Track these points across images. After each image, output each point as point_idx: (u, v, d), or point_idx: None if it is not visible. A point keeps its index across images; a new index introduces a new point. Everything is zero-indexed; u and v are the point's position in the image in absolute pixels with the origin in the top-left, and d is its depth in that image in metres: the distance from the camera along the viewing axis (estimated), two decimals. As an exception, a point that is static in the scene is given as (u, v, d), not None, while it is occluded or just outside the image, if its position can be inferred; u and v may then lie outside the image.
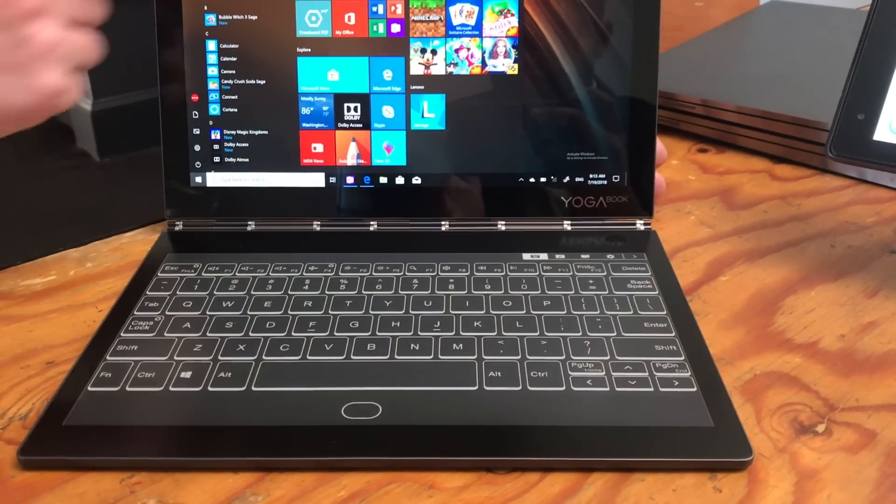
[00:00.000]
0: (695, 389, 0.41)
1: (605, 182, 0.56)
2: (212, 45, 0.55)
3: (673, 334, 0.45)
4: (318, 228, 0.56)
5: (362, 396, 0.40)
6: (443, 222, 0.56)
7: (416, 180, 0.56)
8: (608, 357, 0.43)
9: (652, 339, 0.45)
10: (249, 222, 0.56)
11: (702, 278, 0.52)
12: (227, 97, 0.55)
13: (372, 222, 0.56)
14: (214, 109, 0.55)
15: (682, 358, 0.43)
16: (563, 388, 0.41)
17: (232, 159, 0.56)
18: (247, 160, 0.56)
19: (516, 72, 0.55)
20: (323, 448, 0.38)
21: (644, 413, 0.40)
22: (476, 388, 0.41)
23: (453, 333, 0.45)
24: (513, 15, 0.54)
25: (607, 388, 0.41)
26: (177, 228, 0.56)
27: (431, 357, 0.43)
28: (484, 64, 0.55)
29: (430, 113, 0.55)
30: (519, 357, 0.43)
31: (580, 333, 0.45)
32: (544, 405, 0.40)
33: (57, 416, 0.39)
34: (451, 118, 0.55)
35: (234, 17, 0.55)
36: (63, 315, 0.49)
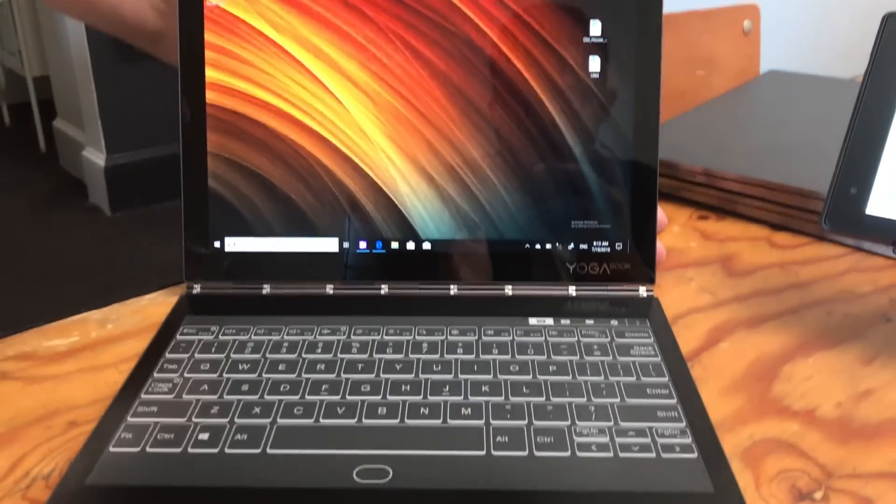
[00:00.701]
0: (696, 455, 0.42)
1: (609, 249, 0.58)
2: (233, 116, 0.58)
3: (675, 400, 0.47)
4: (332, 292, 0.58)
5: (374, 460, 0.42)
6: (452, 286, 0.58)
7: (427, 246, 0.58)
8: (612, 423, 0.45)
9: (654, 406, 0.46)
10: (265, 286, 0.58)
11: (703, 345, 0.54)
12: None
13: (383, 286, 0.58)
14: (235, 175, 0.58)
15: (684, 424, 0.45)
16: (569, 454, 0.42)
17: (251, 224, 0.58)
18: (265, 225, 0.58)
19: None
20: (336, 511, 0.39)
21: (647, 478, 0.41)
22: (484, 452, 0.43)
23: (462, 398, 0.47)
24: (520, 90, 0.57)
25: (611, 454, 0.42)
26: (195, 291, 0.58)
27: (441, 421, 0.45)
28: (492, 136, 0.57)
29: (441, 182, 0.58)
30: (526, 422, 0.45)
31: (585, 399, 0.47)
32: (550, 470, 0.42)
33: (79, 475, 0.41)
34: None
35: (255, 90, 0.57)
36: (85, 376, 0.50)
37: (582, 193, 0.58)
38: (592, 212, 0.58)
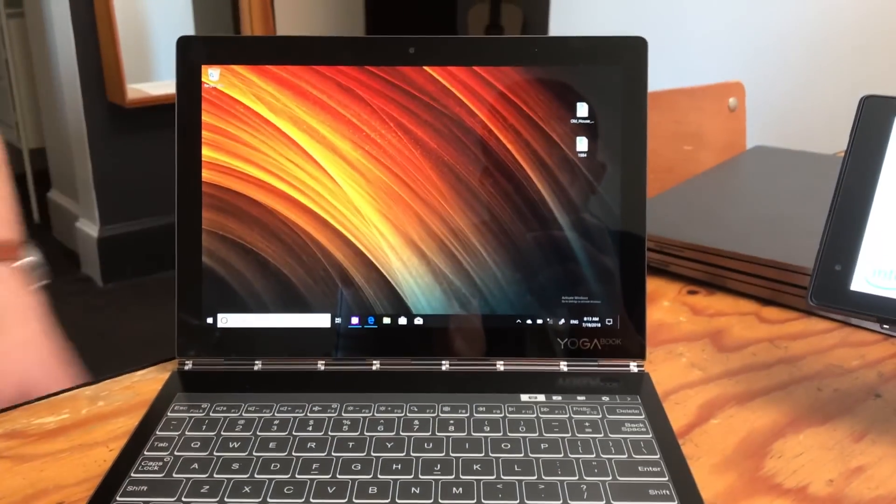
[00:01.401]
0: (688, 535, 0.42)
1: (599, 324, 0.58)
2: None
3: (666, 478, 0.46)
4: (323, 368, 0.58)
5: (364, 541, 0.42)
6: (443, 362, 0.58)
7: (418, 321, 0.59)
8: (604, 501, 0.45)
9: (646, 483, 0.46)
10: (257, 362, 0.58)
11: (693, 421, 0.54)
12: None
13: (375, 361, 0.58)
14: (229, 252, 0.58)
15: (676, 503, 0.44)
16: (560, 534, 0.42)
17: (244, 300, 0.58)
18: (257, 301, 0.58)
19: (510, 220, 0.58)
20: None
21: (639, 560, 0.41)
22: (475, 533, 0.42)
23: (453, 477, 0.47)
24: (510, 169, 0.58)
25: (603, 535, 0.42)
26: (186, 367, 0.58)
27: (431, 501, 0.45)
28: (483, 213, 0.58)
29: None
30: (517, 502, 0.45)
31: (577, 477, 0.47)
32: (542, 551, 0.41)
33: (66, 558, 0.40)
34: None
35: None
36: (74, 454, 0.50)
37: (571, 269, 0.58)
38: (582, 287, 0.58)
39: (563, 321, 0.58)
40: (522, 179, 0.58)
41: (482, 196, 0.58)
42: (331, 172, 0.58)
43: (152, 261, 2.50)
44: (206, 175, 0.58)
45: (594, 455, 0.48)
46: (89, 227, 2.60)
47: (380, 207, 0.58)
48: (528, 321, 0.58)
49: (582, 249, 0.58)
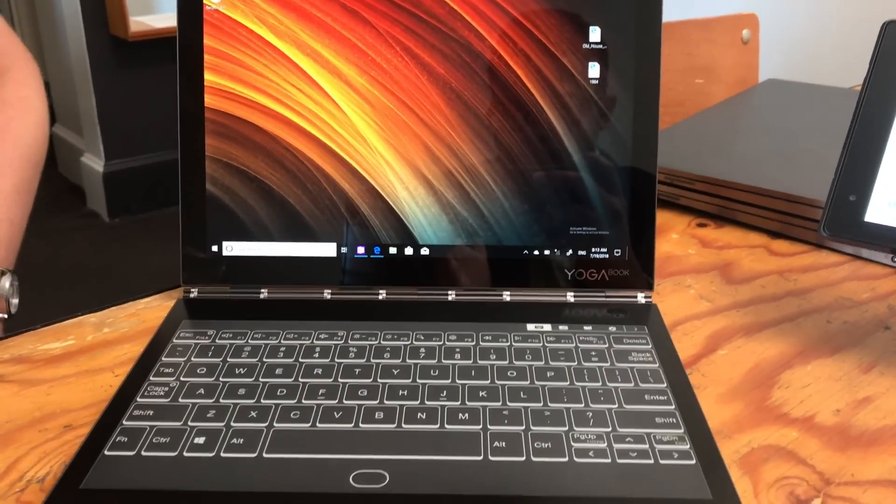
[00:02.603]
0: (694, 462, 0.42)
1: (607, 256, 0.58)
2: (231, 120, 0.57)
3: (673, 407, 0.46)
4: (329, 297, 0.58)
5: (370, 465, 0.42)
6: (450, 292, 0.58)
7: (425, 251, 0.58)
8: (610, 429, 0.44)
9: (652, 412, 0.46)
10: (262, 290, 0.58)
11: (701, 351, 0.53)
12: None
13: (381, 291, 0.58)
14: (234, 179, 0.58)
15: (682, 430, 0.44)
16: (567, 459, 0.42)
17: (249, 228, 0.58)
18: (262, 229, 0.58)
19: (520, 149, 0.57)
20: (332, 516, 0.39)
21: (644, 484, 0.41)
22: (481, 457, 0.42)
23: (459, 403, 0.47)
24: (519, 96, 0.57)
25: (609, 460, 0.42)
26: (192, 295, 0.58)
27: (438, 426, 0.45)
28: (491, 141, 0.57)
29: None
30: (523, 427, 0.45)
31: (583, 405, 0.46)
32: (548, 476, 0.41)
33: (74, 479, 0.41)
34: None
35: (254, 94, 0.57)
36: (81, 379, 0.50)
37: (581, 199, 0.58)
38: (591, 218, 0.58)
39: (570, 252, 0.58)
40: (532, 107, 0.57)
41: (490, 124, 0.57)
42: (335, 98, 0.57)
43: (159, 196, 2.48)
44: (209, 100, 0.57)
45: (600, 383, 0.48)
46: (94, 162, 2.58)
47: (385, 135, 0.57)
48: (536, 252, 0.58)
49: (592, 180, 0.57)
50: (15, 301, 0.63)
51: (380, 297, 0.58)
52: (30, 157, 0.75)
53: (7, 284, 0.63)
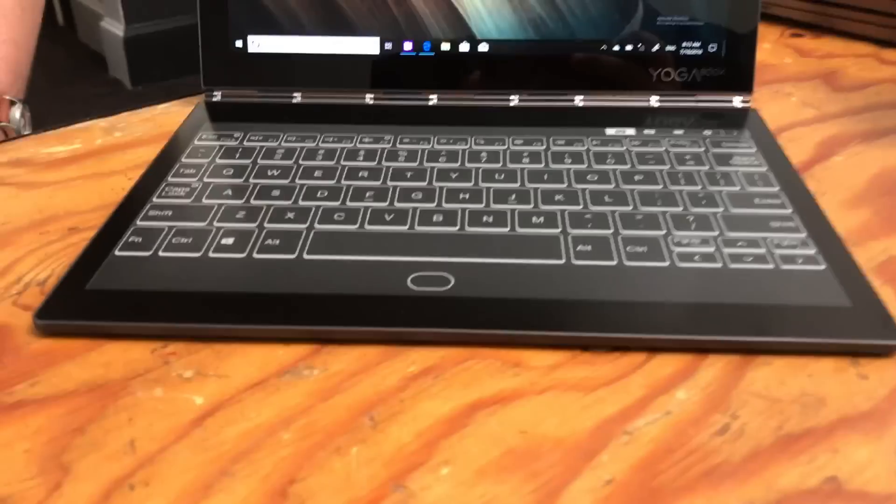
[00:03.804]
0: (823, 267, 0.35)
1: (700, 52, 0.49)
2: None
3: (790, 210, 0.39)
4: (371, 101, 0.50)
5: (431, 267, 0.35)
6: (512, 96, 0.50)
7: (483, 47, 0.49)
8: (717, 233, 0.37)
9: (766, 216, 0.38)
10: (295, 94, 0.50)
11: (813, 157, 0.45)
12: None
13: (432, 95, 0.50)
14: (257, -37, 0.49)
15: (804, 235, 0.37)
16: (668, 264, 0.35)
17: (277, 19, 0.49)
18: (293, 21, 0.49)
19: (602, -79, 0.48)
20: (389, 319, 0.32)
21: (765, 291, 0.33)
22: (563, 261, 0.35)
23: (532, 206, 0.39)
24: None
25: (720, 265, 0.35)
26: (215, 99, 0.50)
27: (508, 230, 0.37)
28: (564, -89, 0.48)
29: (502, -31, 0.48)
30: (611, 231, 0.37)
31: (681, 208, 0.39)
32: (646, 281, 0.34)
33: (79, 279, 0.34)
34: (524, -25, 0.48)
35: None
36: (88, 182, 0.43)
37: (668, -14, 0.48)
38: (683, 5, 0.48)
39: (657, 47, 0.49)
40: None
41: None
42: None
43: (184, 61, 2.38)
44: None
45: (700, 187, 0.40)
46: (115, 27, 2.47)
47: None
48: (615, 47, 0.49)
49: (680, -37, 0.48)
50: (27, 134, 0.56)
51: (430, 102, 0.50)
52: None
53: (18, 115, 0.56)
